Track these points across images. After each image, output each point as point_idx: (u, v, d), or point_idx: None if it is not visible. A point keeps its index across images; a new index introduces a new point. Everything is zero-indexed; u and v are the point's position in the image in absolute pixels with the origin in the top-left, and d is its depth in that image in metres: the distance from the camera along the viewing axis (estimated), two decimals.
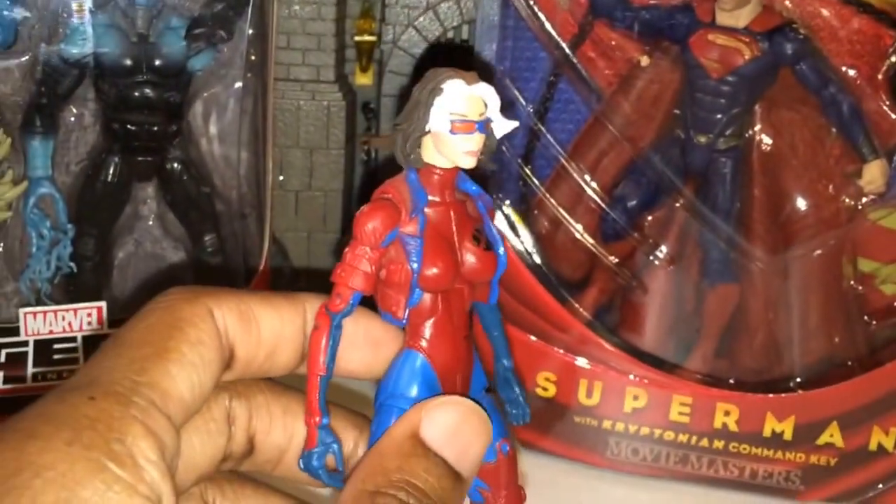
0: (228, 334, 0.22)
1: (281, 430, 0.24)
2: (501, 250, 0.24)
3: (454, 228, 0.24)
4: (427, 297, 0.24)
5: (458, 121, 0.22)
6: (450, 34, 0.60)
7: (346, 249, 0.23)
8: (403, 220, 0.23)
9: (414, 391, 0.24)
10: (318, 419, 0.23)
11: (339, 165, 0.61)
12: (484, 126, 0.23)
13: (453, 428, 0.22)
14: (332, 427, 0.23)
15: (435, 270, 0.23)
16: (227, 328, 0.22)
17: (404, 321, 0.24)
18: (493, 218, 0.25)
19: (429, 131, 0.23)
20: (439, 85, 0.22)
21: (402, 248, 0.23)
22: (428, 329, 0.24)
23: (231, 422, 0.23)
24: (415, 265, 0.23)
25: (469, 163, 0.23)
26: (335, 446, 0.23)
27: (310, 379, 0.23)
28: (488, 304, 0.25)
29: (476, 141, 0.23)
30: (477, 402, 0.24)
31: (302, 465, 0.23)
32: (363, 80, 0.61)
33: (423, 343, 0.24)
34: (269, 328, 0.23)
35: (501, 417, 0.26)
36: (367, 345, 0.24)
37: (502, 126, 0.23)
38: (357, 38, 0.59)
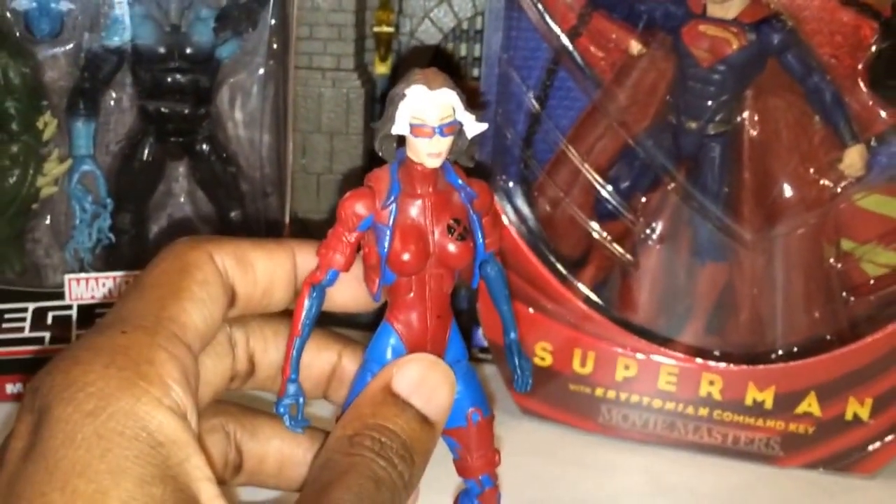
0: (228, 275, 0.25)
1: (275, 349, 0.28)
2: (480, 240, 0.26)
3: (429, 218, 0.26)
4: (401, 278, 0.26)
5: (418, 125, 0.24)
6: (464, 25, 0.62)
7: (331, 229, 0.26)
8: (378, 208, 0.25)
9: (384, 356, 0.27)
10: (289, 375, 0.26)
11: (359, 150, 0.64)
12: (444, 130, 0.24)
13: (419, 378, 0.26)
14: (318, 346, 0.27)
15: (404, 257, 0.25)
16: (227, 270, 0.25)
17: (378, 297, 0.27)
18: (486, 207, 0.27)
19: (393, 132, 0.25)
20: (403, 90, 0.24)
21: (374, 236, 0.25)
22: (400, 307, 0.27)
23: (233, 345, 0.27)
24: (383, 251, 0.25)
25: (433, 163, 0.25)
26: (300, 399, 0.26)
27: (289, 339, 0.26)
28: (495, 283, 0.28)
29: (436, 144, 0.24)
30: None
31: (274, 408, 0.27)
32: (382, 69, 0.64)
33: (396, 318, 0.27)
34: (263, 269, 0.26)
35: (477, 386, 0.28)
36: (355, 280, 0.27)
37: (473, 128, 0.25)
38: (376, 29, 0.62)
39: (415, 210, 0.26)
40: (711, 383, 0.45)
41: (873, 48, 0.41)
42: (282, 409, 0.26)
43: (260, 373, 0.28)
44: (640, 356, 0.46)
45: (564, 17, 0.44)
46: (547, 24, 0.44)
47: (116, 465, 0.20)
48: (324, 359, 0.29)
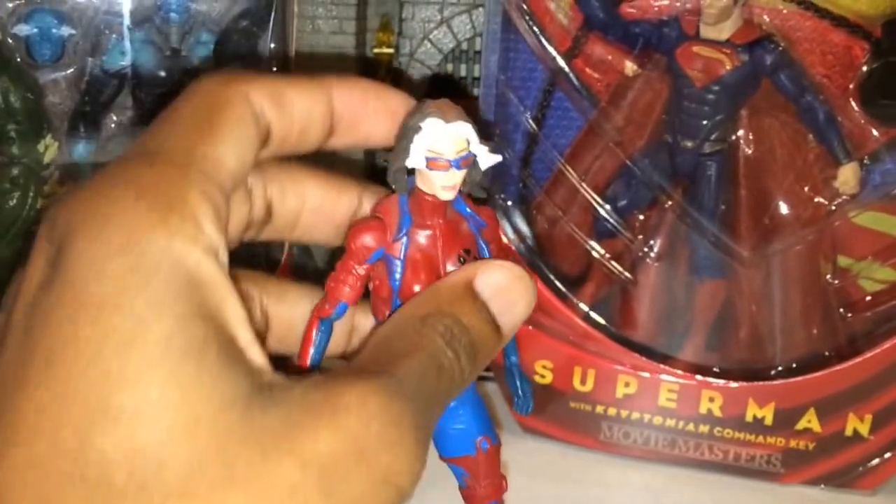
0: (264, 114, 0.23)
1: (292, 195, 0.27)
2: None
3: (440, 250, 0.25)
4: None
5: (434, 158, 0.24)
6: (464, 46, 0.63)
7: (339, 261, 0.25)
8: (389, 241, 0.25)
9: None
10: None
11: (360, 171, 0.65)
12: (460, 163, 0.24)
13: (503, 285, 0.24)
14: (338, 190, 0.27)
15: (416, 289, 0.25)
16: (263, 109, 0.23)
17: None
18: (494, 236, 0.26)
19: (407, 165, 0.24)
20: (419, 122, 0.24)
21: (386, 268, 0.25)
22: None
23: (249, 192, 0.26)
24: (395, 283, 0.25)
25: (447, 196, 0.25)
26: None
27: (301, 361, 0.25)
28: None
29: (451, 177, 0.24)
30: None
31: None
32: None
33: None
34: (301, 109, 0.24)
35: (486, 414, 0.28)
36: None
37: (486, 160, 0.25)
38: (376, 51, 0.63)
39: (425, 241, 0.25)
40: (711, 400, 0.45)
41: (864, 68, 0.42)
42: None
43: (276, 221, 0.27)
44: (640, 374, 0.46)
45: (560, 39, 0.45)
46: (543, 46, 0.44)
47: (155, 300, 0.18)
48: (344, 203, 0.27)
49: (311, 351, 0.25)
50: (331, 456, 0.18)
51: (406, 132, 0.24)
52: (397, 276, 0.25)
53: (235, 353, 0.19)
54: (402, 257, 0.25)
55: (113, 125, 0.47)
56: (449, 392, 0.22)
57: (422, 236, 0.25)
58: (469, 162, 0.25)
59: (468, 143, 0.24)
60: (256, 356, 0.20)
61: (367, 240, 0.25)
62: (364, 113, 0.25)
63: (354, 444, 0.19)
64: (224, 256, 0.21)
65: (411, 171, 0.25)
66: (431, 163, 0.24)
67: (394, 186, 0.25)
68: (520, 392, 0.29)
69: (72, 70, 0.45)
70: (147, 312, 0.18)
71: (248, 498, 0.17)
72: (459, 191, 0.25)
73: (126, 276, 0.18)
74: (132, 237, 0.19)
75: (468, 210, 0.26)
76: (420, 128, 0.24)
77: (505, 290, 0.24)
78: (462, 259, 0.25)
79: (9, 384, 0.18)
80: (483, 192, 0.26)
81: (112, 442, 0.17)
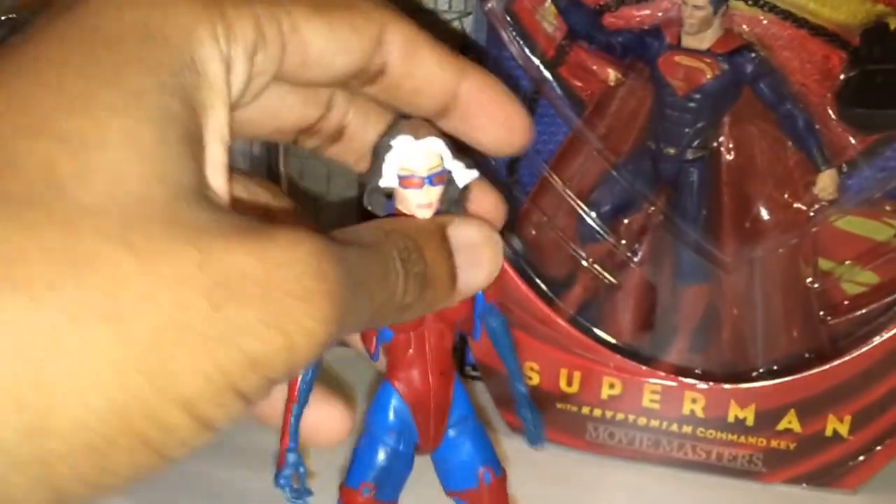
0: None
1: (372, 131, 0.26)
2: (480, 291, 0.25)
3: None
4: (399, 335, 0.25)
5: (406, 176, 0.24)
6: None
7: None
8: None
9: (387, 419, 0.26)
10: (287, 444, 0.25)
11: (354, 175, 0.66)
12: (433, 179, 0.24)
13: (473, 241, 0.24)
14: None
15: None
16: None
17: (376, 356, 0.26)
18: None
19: (380, 185, 0.24)
20: (389, 141, 0.24)
21: None
22: (400, 364, 0.26)
23: (330, 106, 0.25)
24: None
25: (424, 214, 0.24)
26: (301, 469, 0.25)
27: (286, 406, 0.25)
28: (499, 335, 0.27)
29: (426, 195, 0.24)
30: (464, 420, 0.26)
31: (274, 482, 0.26)
32: None
33: (396, 377, 0.26)
34: (427, 72, 0.23)
35: (487, 444, 0.28)
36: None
37: (463, 176, 0.24)
38: None
39: None
40: (694, 401, 0.46)
41: (842, 76, 0.43)
42: (282, 482, 0.25)
43: (349, 144, 0.26)
44: (624, 375, 0.47)
45: (544, 49, 0.46)
46: (527, 56, 0.45)
47: (149, 58, 0.17)
48: (367, 33, 0.23)
49: (299, 381, 0.25)
50: (236, 273, 0.17)
51: (378, 152, 0.24)
52: None
53: (196, 146, 0.18)
54: None
55: None
56: (383, 306, 0.21)
57: None
58: (443, 178, 0.24)
59: (441, 160, 0.24)
60: (215, 172, 0.19)
61: None
62: (485, 110, 0.25)
63: (264, 275, 0.17)
64: (239, 75, 0.20)
65: (390, 195, 0.25)
66: (404, 181, 0.24)
67: (370, 208, 0.25)
68: (530, 424, 0.28)
69: None
70: (135, 66, 0.17)
71: (139, 269, 0.16)
72: (439, 210, 0.25)
73: (133, 27, 0.18)
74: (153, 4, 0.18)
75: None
76: (391, 146, 0.24)
77: (473, 247, 0.24)
78: None
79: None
80: (464, 210, 0.26)
81: (65, 156, 0.16)
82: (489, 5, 0.45)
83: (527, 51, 0.45)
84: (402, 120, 0.25)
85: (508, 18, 0.45)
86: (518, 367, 0.28)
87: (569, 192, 0.47)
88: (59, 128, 0.16)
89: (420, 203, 0.24)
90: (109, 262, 0.16)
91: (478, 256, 0.24)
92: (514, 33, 0.45)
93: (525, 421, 0.29)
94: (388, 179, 0.24)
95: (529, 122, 0.26)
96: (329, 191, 0.66)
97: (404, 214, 0.24)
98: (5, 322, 0.15)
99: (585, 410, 0.48)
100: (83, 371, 0.15)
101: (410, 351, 0.26)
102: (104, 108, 0.17)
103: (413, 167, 0.24)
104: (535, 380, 0.48)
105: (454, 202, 0.25)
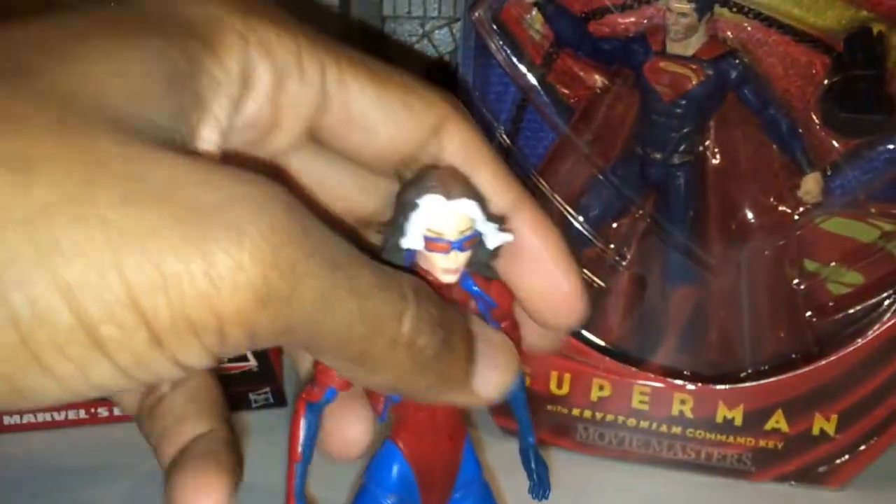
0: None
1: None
2: None
3: None
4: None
5: (433, 239, 0.21)
6: (446, 58, 0.65)
7: None
8: None
9: (389, 480, 0.24)
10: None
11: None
12: (463, 244, 0.21)
13: (494, 340, 0.22)
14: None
15: None
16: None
17: (384, 417, 0.24)
18: (506, 313, 0.24)
19: (403, 246, 0.21)
20: (416, 198, 0.21)
21: None
22: (408, 427, 0.24)
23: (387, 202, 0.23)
24: None
25: (449, 279, 0.22)
26: None
27: (289, 465, 0.23)
28: (514, 391, 0.24)
29: (453, 260, 0.21)
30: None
31: None
32: None
33: (401, 437, 0.24)
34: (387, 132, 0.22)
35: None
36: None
37: (495, 238, 0.22)
38: None
39: None
40: (683, 402, 0.47)
41: (825, 82, 0.43)
42: None
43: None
44: (614, 377, 0.47)
45: (531, 57, 0.46)
46: (513, 63, 0.46)
47: (164, 24, 0.18)
48: (422, 117, 0.22)
49: (301, 438, 0.23)
50: (169, 177, 0.15)
51: (402, 208, 0.21)
52: None
53: (183, 97, 0.18)
54: None
55: None
56: (383, 326, 0.18)
57: None
58: (474, 242, 0.22)
59: (473, 222, 0.21)
60: (199, 124, 0.18)
61: None
62: (530, 254, 0.23)
63: (201, 194, 0.15)
64: (263, 82, 0.19)
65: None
66: (430, 244, 0.21)
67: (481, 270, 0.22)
68: (535, 477, 0.27)
69: None
70: (144, 24, 0.18)
71: (57, 137, 0.15)
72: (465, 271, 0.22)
73: (162, 6, 0.18)
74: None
75: (475, 288, 0.23)
76: (417, 204, 0.21)
77: (493, 346, 0.22)
78: None
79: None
80: (493, 272, 0.23)
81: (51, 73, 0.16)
82: (477, 14, 0.45)
83: (514, 59, 0.46)
84: (431, 171, 0.22)
85: (496, 27, 0.45)
86: (530, 422, 0.27)
87: (557, 198, 0.48)
88: (57, 46, 0.16)
89: (446, 268, 0.22)
90: (32, 124, 0.15)
91: (497, 359, 0.22)
92: (501, 42, 0.46)
93: (530, 474, 0.27)
94: (412, 240, 0.21)
95: (580, 290, 0.24)
96: None
97: (425, 272, 0.22)
98: None
99: (576, 412, 0.48)
100: None
101: (420, 414, 0.24)
102: (103, 41, 0.17)
103: (441, 230, 0.21)
104: (526, 382, 0.49)
105: (482, 264, 0.23)
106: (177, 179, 0.15)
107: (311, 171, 0.22)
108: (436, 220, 0.21)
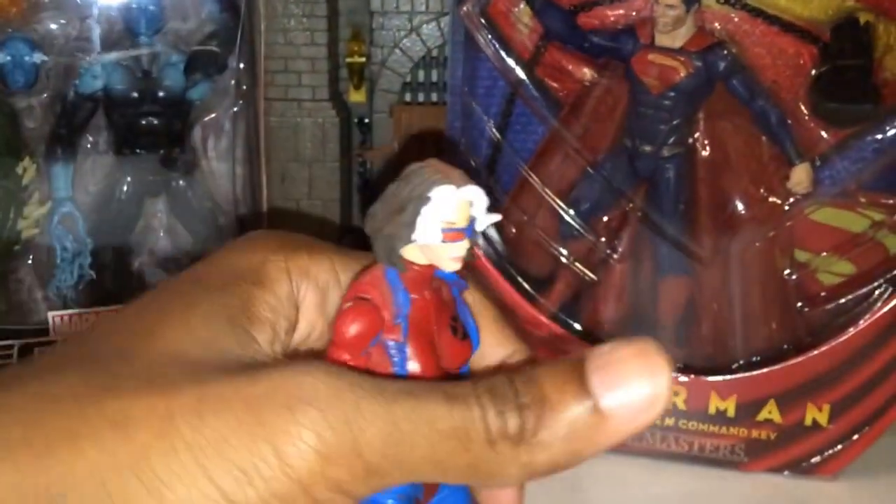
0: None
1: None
2: (474, 329, 0.23)
3: (433, 323, 0.22)
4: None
5: (449, 230, 0.21)
6: (434, 52, 0.65)
7: (328, 354, 0.22)
8: (387, 325, 0.22)
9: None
10: None
11: (336, 177, 0.66)
12: (472, 230, 0.21)
13: (616, 355, 0.19)
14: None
15: (418, 373, 0.22)
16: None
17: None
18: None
19: (415, 240, 0.21)
20: (426, 192, 0.21)
21: (385, 354, 0.22)
22: None
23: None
24: (402, 370, 0.22)
25: (454, 267, 0.22)
26: None
27: None
28: None
29: (463, 247, 0.21)
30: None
31: None
32: (357, 97, 0.66)
33: None
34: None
35: None
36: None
37: (485, 220, 0.22)
38: (348, 60, 0.64)
39: (419, 316, 0.22)
40: (676, 394, 0.47)
41: (813, 72, 0.43)
42: None
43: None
44: None
45: (520, 51, 0.46)
46: (502, 58, 0.46)
47: (219, 272, 0.23)
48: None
49: None
50: (227, 392, 0.18)
51: (408, 204, 0.21)
52: (402, 363, 0.22)
53: (248, 328, 0.22)
54: (404, 340, 0.22)
55: (89, 146, 0.48)
56: (467, 432, 0.18)
57: (416, 312, 0.22)
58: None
59: (471, 206, 0.21)
60: (265, 346, 0.22)
61: (363, 328, 0.21)
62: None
63: (255, 392, 0.18)
64: (311, 300, 0.24)
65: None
66: (447, 235, 0.21)
67: (391, 264, 0.22)
68: None
69: (46, 95, 0.46)
70: (211, 283, 0.22)
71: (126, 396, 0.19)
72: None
73: (221, 265, 0.23)
74: (248, 249, 0.24)
75: (453, 275, 0.23)
76: (428, 198, 0.21)
77: (616, 361, 0.19)
78: (454, 329, 0.23)
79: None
80: (472, 257, 0.23)
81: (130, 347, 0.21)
82: (465, 8, 0.45)
83: (503, 53, 0.46)
84: (422, 165, 0.22)
85: (484, 21, 0.45)
86: None
87: (548, 192, 0.48)
88: (144, 327, 0.21)
89: (455, 256, 0.22)
90: (131, 392, 0.19)
91: (627, 376, 0.19)
92: (489, 36, 0.45)
93: None
94: (429, 234, 0.21)
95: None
96: (311, 194, 0.66)
97: (412, 264, 0.22)
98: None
99: None
100: None
101: None
102: (188, 308, 0.21)
103: (454, 219, 0.21)
104: None
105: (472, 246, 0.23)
106: (239, 391, 0.18)
107: None
108: (450, 210, 0.21)
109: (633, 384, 0.19)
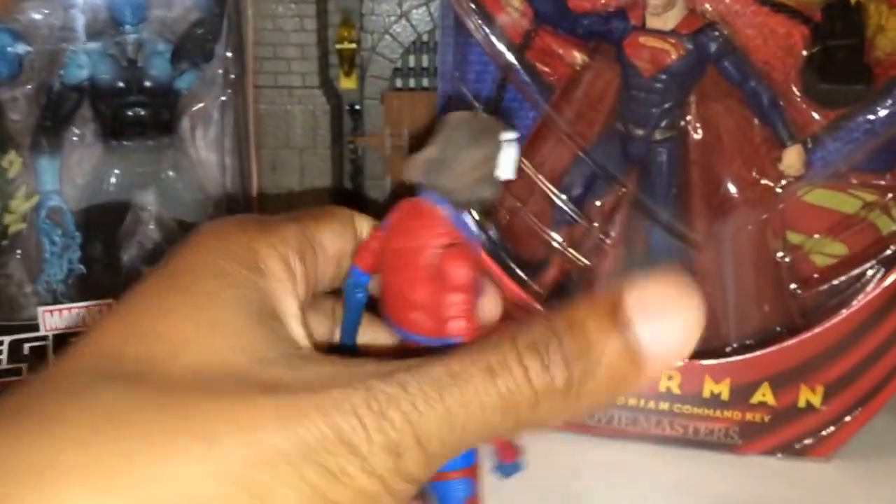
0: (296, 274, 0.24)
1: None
2: None
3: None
4: None
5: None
6: (424, 38, 0.64)
7: (457, 301, 0.23)
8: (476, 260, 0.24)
9: None
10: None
11: (327, 164, 0.66)
12: None
13: (652, 295, 0.20)
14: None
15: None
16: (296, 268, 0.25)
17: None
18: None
19: (504, 177, 0.24)
20: (501, 138, 0.24)
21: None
22: None
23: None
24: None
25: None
26: None
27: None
28: None
29: None
30: None
31: None
32: (348, 84, 0.65)
33: None
34: (333, 249, 0.26)
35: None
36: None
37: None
38: (338, 46, 0.64)
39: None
40: (670, 378, 0.47)
41: (804, 53, 0.43)
42: None
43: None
44: None
45: (510, 35, 0.46)
46: (492, 42, 0.45)
47: (223, 270, 0.22)
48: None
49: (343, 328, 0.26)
50: (292, 443, 0.18)
51: (486, 157, 0.24)
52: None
53: (273, 321, 0.22)
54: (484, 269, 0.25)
55: (75, 138, 0.47)
56: (513, 399, 0.19)
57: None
58: None
59: None
60: (297, 332, 0.22)
61: (471, 268, 0.24)
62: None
63: (319, 444, 0.18)
64: (298, 269, 0.24)
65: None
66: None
67: (480, 209, 0.26)
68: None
69: (30, 86, 0.45)
70: (212, 276, 0.22)
71: (207, 411, 0.18)
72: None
73: (210, 253, 0.22)
74: (230, 234, 0.23)
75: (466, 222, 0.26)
76: (503, 142, 0.24)
77: (654, 301, 0.20)
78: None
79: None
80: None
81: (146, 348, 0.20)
82: None
83: (493, 38, 0.45)
84: (462, 116, 0.24)
85: (474, 5, 0.45)
86: None
87: (540, 177, 0.47)
88: (157, 330, 0.21)
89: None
90: (197, 427, 0.18)
91: (667, 315, 0.20)
92: (479, 20, 0.45)
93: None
94: (509, 171, 0.24)
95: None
96: (302, 182, 0.66)
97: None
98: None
99: None
100: None
101: None
102: (193, 309, 0.21)
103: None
104: None
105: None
106: (305, 399, 0.19)
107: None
108: (515, 148, 0.24)
109: (671, 324, 0.20)
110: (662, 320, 0.20)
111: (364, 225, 0.27)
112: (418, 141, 0.25)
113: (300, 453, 0.18)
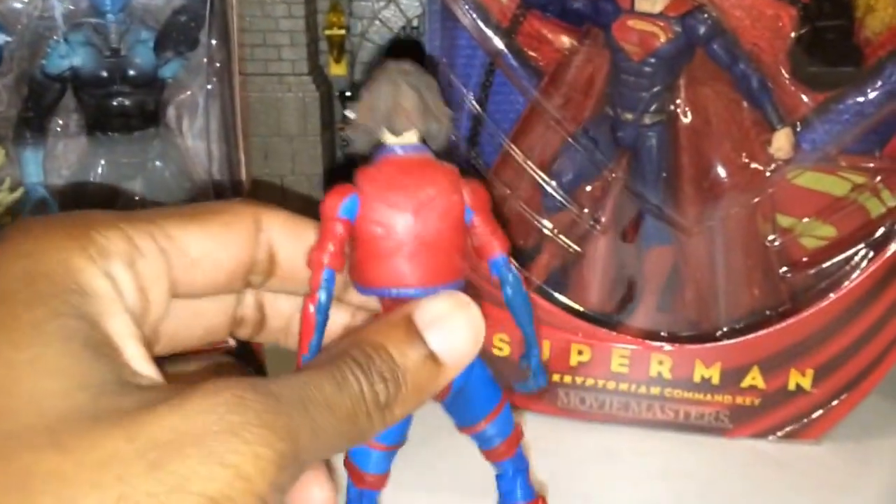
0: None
1: (285, 298, 0.28)
2: None
3: None
4: None
5: None
6: (414, 23, 0.63)
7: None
8: None
9: None
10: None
11: (318, 151, 0.65)
12: None
13: (442, 313, 0.24)
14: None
15: None
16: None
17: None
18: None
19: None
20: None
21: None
22: None
23: (239, 294, 0.27)
24: None
25: None
26: None
27: (297, 357, 0.25)
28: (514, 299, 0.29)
29: None
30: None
31: None
32: (337, 70, 0.65)
33: None
34: (200, 251, 0.24)
35: (491, 382, 0.30)
36: None
37: None
38: (327, 32, 0.63)
39: None
40: (661, 363, 0.47)
41: (792, 34, 0.43)
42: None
43: (270, 322, 0.28)
44: (592, 342, 0.47)
45: (499, 19, 0.45)
46: (479, 28, 0.45)
47: (36, 295, 0.20)
48: (338, 318, 0.28)
49: (310, 339, 0.26)
50: (163, 433, 0.18)
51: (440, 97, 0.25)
52: None
53: (106, 349, 0.20)
54: None
55: (59, 129, 0.47)
56: (356, 411, 0.22)
57: None
58: None
59: None
60: (139, 363, 0.21)
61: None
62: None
63: (189, 425, 0.18)
64: (127, 283, 0.22)
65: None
66: None
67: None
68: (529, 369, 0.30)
69: (11, 77, 0.45)
70: (27, 306, 0.20)
71: (75, 464, 0.17)
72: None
73: (17, 279, 0.20)
74: (39, 248, 0.21)
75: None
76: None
77: (444, 319, 0.24)
78: None
79: None
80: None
81: None
82: None
83: (480, 22, 0.45)
84: (398, 64, 0.25)
85: None
86: (534, 336, 0.30)
87: (530, 163, 0.47)
88: None
89: None
90: (48, 469, 0.17)
91: (452, 325, 0.24)
92: (467, 6, 0.44)
93: (532, 366, 0.30)
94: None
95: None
96: (294, 169, 0.66)
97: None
98: None
99: (556, 377, 0.48)
100: None
101: None
102: (10, 348, 0.19)
103: None
104: (506, 351, 0.48)
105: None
106: (170, 428, 0.18)
107: (178, 313, 0.25)
108: None
109: (460, 334, 0.24)
110: (448, 328, 0.24)
111: (295, 225, 0.26)
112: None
113: (172, 492, 0.17)
